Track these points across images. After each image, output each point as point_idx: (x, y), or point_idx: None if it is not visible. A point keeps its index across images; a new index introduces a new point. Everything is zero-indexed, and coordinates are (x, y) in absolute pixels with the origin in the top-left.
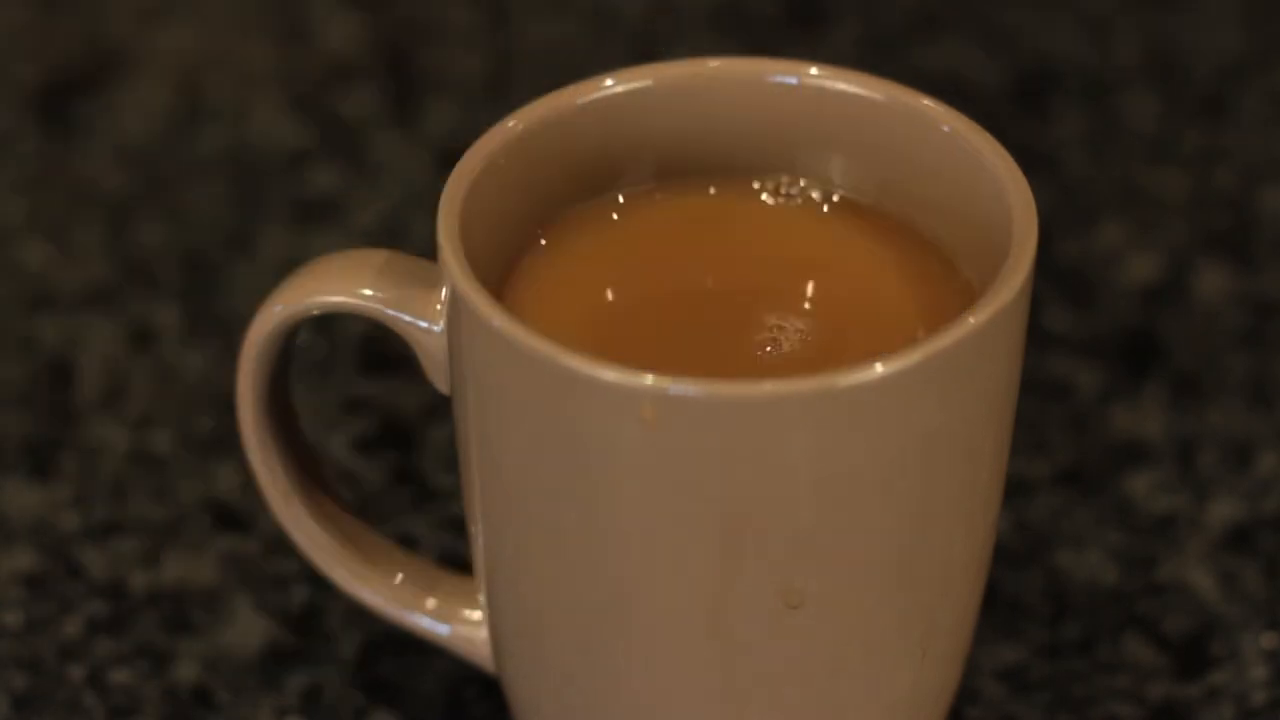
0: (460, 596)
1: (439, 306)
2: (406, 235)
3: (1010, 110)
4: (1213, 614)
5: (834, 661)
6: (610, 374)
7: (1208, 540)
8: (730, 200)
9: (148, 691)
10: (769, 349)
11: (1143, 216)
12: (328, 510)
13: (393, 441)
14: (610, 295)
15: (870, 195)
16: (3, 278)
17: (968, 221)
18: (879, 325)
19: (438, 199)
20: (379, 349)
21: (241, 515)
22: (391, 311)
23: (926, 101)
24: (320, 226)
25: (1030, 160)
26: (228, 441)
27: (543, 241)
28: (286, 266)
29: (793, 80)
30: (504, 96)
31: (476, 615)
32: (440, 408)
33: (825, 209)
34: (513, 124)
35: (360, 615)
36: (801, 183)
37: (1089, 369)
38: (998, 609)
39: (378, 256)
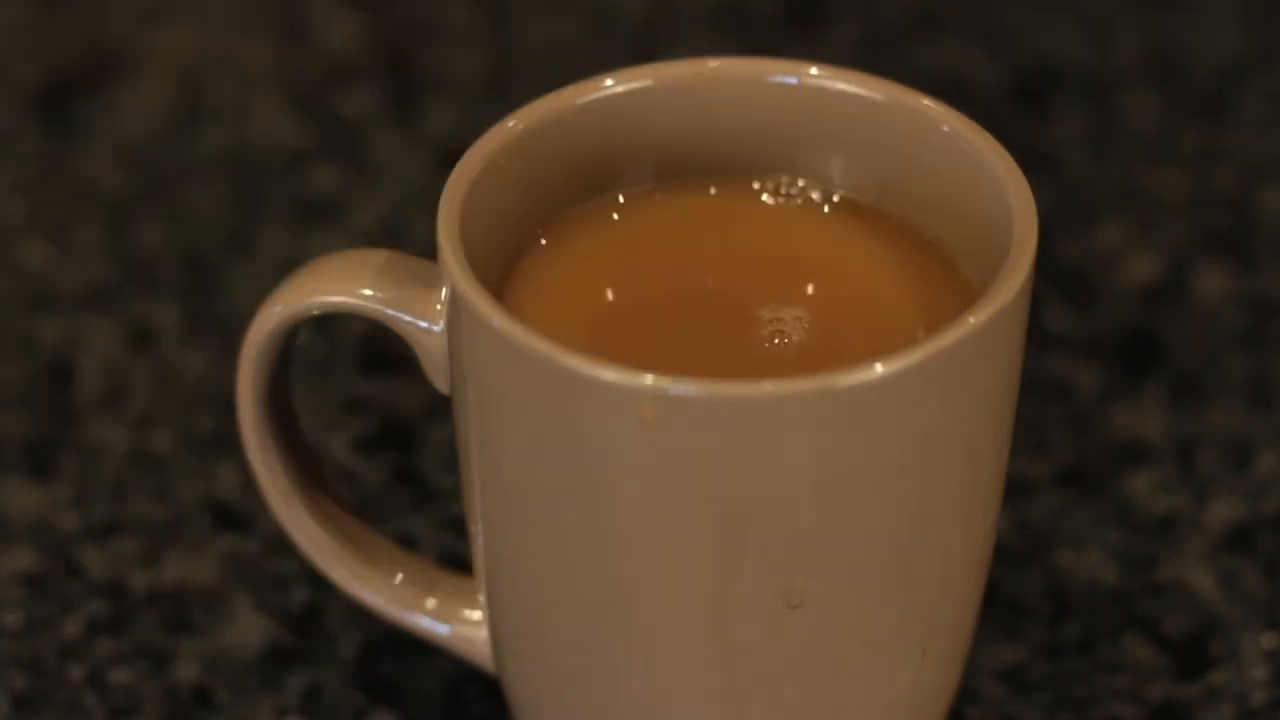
0: (460, 596)
1: (439, 306)
2: (406, 235)
3: (1010, 110)
4: (1213, 614)
5: (834, 661)
6: (610, 374)
7: (1208, 540)
8: (730, 200)
9: (148, 691)
10: (769, 349)
11: (1143, 216)
12: (328, 510)
13: (393, 441)
14: (610, 295)
15: (870, 195)
16: (3, 278)
17: (968, 221)
18: (879, 325)
19: (438, 199)
20: (379, 349)
21: (241, 515)
22: (391, 311)
23: (926, 101)
24: (320, 226)
25: (1030, 160)
26: (228, 441)
27: (543, 241)
28: (286, 266)
29: (793, 80)
30: (504, 96)
31: (476, 615)
32: (440, 408)
33: (825, 209)
34: (513, 124)
35: (360, 615)
36: (801, 183)
37: (1089, 369)
38: (998, 609)
39: (378, 256)
